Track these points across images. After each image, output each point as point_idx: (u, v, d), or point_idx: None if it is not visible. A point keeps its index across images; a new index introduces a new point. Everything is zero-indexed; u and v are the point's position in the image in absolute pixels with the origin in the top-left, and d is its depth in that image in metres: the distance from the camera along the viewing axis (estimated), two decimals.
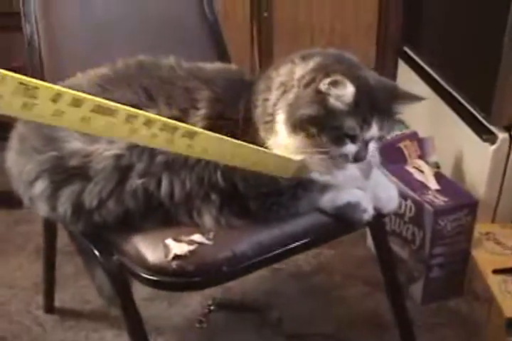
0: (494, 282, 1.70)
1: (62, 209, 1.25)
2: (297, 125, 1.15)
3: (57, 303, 1.82)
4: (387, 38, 2.59)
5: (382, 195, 1.31)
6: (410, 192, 1.76)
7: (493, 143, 1.83)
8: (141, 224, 1.24)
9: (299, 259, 2.01)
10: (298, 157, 1.17)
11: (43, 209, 1.29)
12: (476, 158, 1.95)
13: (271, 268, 1.96)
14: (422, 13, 2.39)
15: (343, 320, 1.79)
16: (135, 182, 1.20)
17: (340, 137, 1.15)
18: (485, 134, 1.85)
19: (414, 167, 1.87)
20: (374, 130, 1.16)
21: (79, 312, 1.83)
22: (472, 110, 1.94)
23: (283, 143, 1.18)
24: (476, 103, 1.92)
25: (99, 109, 0.84)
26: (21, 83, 0.71)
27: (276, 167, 1.17)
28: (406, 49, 2.48)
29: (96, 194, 1.22)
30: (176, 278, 1.16)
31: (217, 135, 1.05)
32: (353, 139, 1.16)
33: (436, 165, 2.08)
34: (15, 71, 0.74)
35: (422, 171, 1.85)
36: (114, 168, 1.20)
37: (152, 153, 1.19)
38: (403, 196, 1.77)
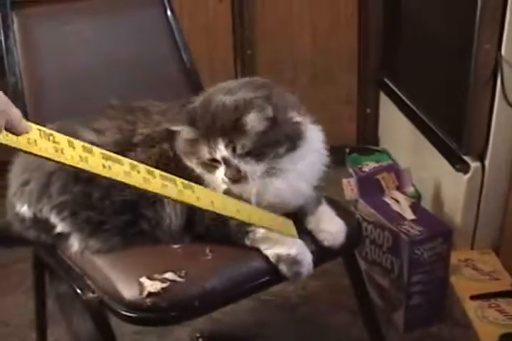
0: (471, 308, 1.75)
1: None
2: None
3: (50, 338, 1.84)
4: (367, 70, 2.65)
5: (329, 230, 1.33)
6: (387, 223, 1.80)
7: (466, 172, 1.88)
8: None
9: (287, 291, 2.04)
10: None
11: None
12: (452, 188, 2.00)
13: (259, 300, 2.00)
14: (400, 45, 2.45)
15: None
16: None
17: (207, 164, 1.23)
18: (458, 164, 1.90)
19: (391, 198, 1.92)
20: (222, 150, 1.20)
21: None
22: (446, 141, 1.99)
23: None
24: (449, 134, 1.97)
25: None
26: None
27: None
28: (386, 81, 2.55)
29: None
30: (151, 314, 1.21)
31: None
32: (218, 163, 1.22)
33: (418, 195, 2.14)
34: None
35: (398, 202, 1.90)
36: None
37: None
38: (381, 227, 1.83)
